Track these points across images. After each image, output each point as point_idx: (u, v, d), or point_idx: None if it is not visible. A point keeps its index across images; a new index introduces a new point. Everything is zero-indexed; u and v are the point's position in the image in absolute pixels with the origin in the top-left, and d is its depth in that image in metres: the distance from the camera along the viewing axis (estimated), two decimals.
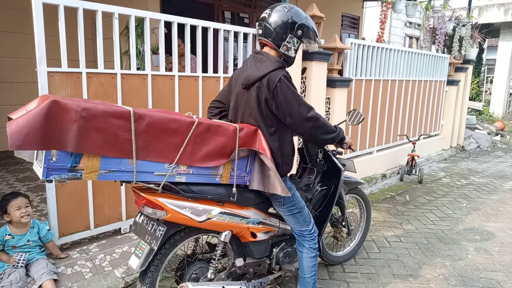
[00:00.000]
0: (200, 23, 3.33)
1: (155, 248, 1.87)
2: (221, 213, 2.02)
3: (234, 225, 2.10)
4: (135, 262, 1.91)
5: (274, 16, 2.03)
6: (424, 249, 3.40)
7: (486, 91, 15.11)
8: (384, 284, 2.82)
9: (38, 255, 2.50)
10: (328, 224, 2.78)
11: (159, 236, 1.86)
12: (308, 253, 2.29)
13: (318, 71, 4.32)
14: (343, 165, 2.68)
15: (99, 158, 1.60)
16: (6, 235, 2.43)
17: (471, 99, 13.23)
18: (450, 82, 7.49)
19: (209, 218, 1.97)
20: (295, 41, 2.07)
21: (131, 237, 3.04)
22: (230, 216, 2.07)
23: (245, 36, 3.79)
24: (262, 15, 2.10)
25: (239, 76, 2.15)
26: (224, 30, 3.56)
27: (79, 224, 2.86)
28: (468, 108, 11.08)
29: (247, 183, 2.09)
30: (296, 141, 3.50)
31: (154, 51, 4.38)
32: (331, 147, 2.62)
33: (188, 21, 3.25)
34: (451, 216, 4.28)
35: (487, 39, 12.95)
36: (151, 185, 1.80)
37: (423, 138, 6.81)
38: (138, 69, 3.56)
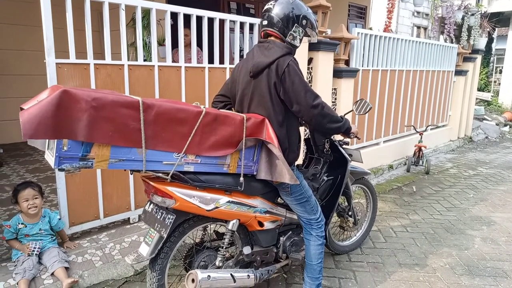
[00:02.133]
0: (206, 13, 3.33)
1: (165, 235, 1.90)
2: (228, 202, 2.05)
3: (241, 214, 2.13)
4: (145, 250, 1.94)
5: (279, 7, 2.08)
6: (430, 239, 3.41)
7: (495, 82, 14.89)
8: (390, 273, 2.83)
9: (49, 243, 2.56)
10: (335, 214, 2.80)
11: (168, 224, 1.90)
12: (315, 240, 2.32)
13: (325, 61, 4.30)
14: (350, 155, 2.68)
15: (109, 147, 1.63)
16: (19, 223, 2.49)
17: (479, 89, 13.06)
18: (458, 72, 7.40)
19: (217, 207, 2.00)
20: (300, 31, 2.12)
21: (140, 227, 3.09)
22: (238, 205, 2.09)
23: (251, 26, 3.78)
24: (266, 6, 2.14)
25: (242, 67, 2.17)
26: (230, 21, 3.55)
27: (88, 214, 2.91)
28: (477, 98, 10.94)
29: (254, 173, 2.11)
30: (303, 131, 3.52)
31: (161, 43, 4.39)
32: (337, 137, 2.63)
33: (194, 12, 3.25)
34: (458, 206, 4.27)
35: (496, 29, 12.74)
36: (160, 174, 1.83)
37: (431, 129, 6.76)
38: (144, 60, 3.57)
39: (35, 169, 4.52)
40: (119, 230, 3.03)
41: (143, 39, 3.86)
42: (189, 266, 2.20)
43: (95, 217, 2.94)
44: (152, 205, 2.02)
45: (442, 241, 3.38)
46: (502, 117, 10.71)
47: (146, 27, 3.91)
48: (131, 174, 1.93)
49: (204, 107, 1.86)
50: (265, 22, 2.12)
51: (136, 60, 3.04)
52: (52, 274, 2.40)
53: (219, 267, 2.14)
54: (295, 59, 2.08)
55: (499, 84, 13.88)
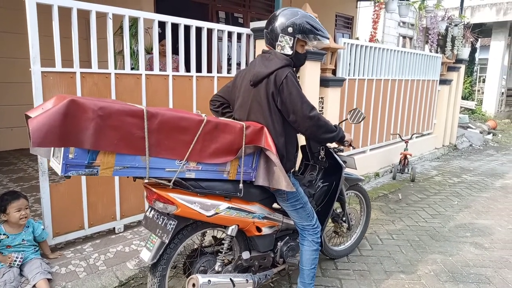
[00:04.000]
0: (193, 23, 3.35)
1: (166, 241, 1.93)
2: (228, 208, 2.10)
3: (240, 219, 2.18)
4: (146, 255, 1.96)
5: (268, 22, 2.21)
6: (415, 246, 3.45)
7: (478, 90, 15.24)
8: (376, 281, 2.86)
9: (32, 254, 2.51)
10: (329, 219, 2.85)
11: (170, 229, 1.93)
12: (310, 246, 2.36)
13: (312, 70, 4.35)
14: (344, 162, 2.75)
15: (114, 155, 1.66)
16: (0, 234, 2.44)
17: (464, 98, 13.34)
18: (443, 82, 7.55)
19: (217, 213, 2.05)
20: (287, 39, 2.15)
21: (125, 237, 3.06)
22: (237, 211, 2.15)
23: (239, 36, 3.82)
24: (265, 23, 2.25)
25: (245, 75, 2.25)
26: (218, 30, 3.58)
27: (73, 224, 2.87)
28: (461, 107, 11.17)
29: (253, 179, 2.17)
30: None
31: (148, 51, 4.39)
32: (332, 144, 2.67)
33: (182, 21, 3.27)
34: (442, 213, 4.34)
35: (479, 39, 13.06)
36: (163, 181, 1.87)
37: (416, 137, 6.86)
38: (132, 69, 3.57)
39: (19, 178, 4.45)
40: (104, 240, 2.99)
41: (131, 48, 3.87)
42: (188, 271, 2.24)
43: (79, 227, 2.90)
44: (153, 211, 2.05)
45: (427, 248, 3.42)
46: (486, 125, 10.94)
47: (134, 35, 3.91)
48: (134, 181, 1.94)
49: (205, 115, 1.91)
50: (264, 40, 2.25)
51: (124, 68, 3.04)
52: (34, 286, 2.35)
53: (218, 272, 2.18)
54: (293, 71, 2.15)
55: (483, 93, 14.21)
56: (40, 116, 1.46)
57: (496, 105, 13.62)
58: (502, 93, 14.31)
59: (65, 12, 2.67)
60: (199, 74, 3.48)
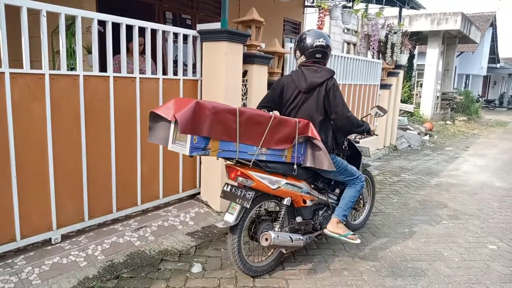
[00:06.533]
0: (136, 23, 3.25)
1: (248, 206, 2.57)
2: (286, 183, 2.76)
3: (293, 193, 2.86)
4: (230, 218, 2.60)
5: (329, 45, 2.94)
6: (358, 243, 3.58)
7: (416, 94, 16.24)
8: (321, 279, 2.94)
9: None
10: None
11: (249, 198, 2.56)
12: (356, 186, 3.13)
13: (259, 74, 4.39)
14: (361, 151, 3.50)
15: (219, 142, 2.29)
16: None
17: (403, 101, 14.17)
18: (383, 86, 7.97)
19: (279, 187, 2.72)
20: None
21: (62, 248, 2.87)
22: (292, 186, 2.81)
23: (185, 37, 3.76)
24: (319, 42, 2.88)
25: (289, 83, 2.93)
26: (163, 31, 3.50)
27: (2, 236, 2.65)
28: (400, 110, 11.85)
29: (301, 162, 2.80)
30: None
31: (89, 51, 4.19)
32: (351, 136, 3.48)
33: (124, 21, 3.16)
34: (383, 211, 4.57)
35: (417, 46, 13.95)
36: (245, 162, 2.51)
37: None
38: (72, 69, 3.39)
39: None
40: (39, 252, 2.79)
41: (71, 47, 3.66)
42: (254, 234, 2.84)
43: (10, 239, 2.68)
44: (229, 186, 2.69)
45: (369, 245, 3.59)
46: (423, 127, 11.70)
47: (74, 34, 3.71)
48: (225, 161, 2.61)
49: (273, 113, 2.60)
50: (319, 55, 2.90)
51: (60, 69, 2.87)
52: None
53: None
54: (336, 80, 2.87)
55: (420, 96, 15.18)
56: (181, 112, 2.06)
57: (432, 108, 14.62)
58: (438, 97, 15.40)
59: None
60: (142, 75, 3.38)
